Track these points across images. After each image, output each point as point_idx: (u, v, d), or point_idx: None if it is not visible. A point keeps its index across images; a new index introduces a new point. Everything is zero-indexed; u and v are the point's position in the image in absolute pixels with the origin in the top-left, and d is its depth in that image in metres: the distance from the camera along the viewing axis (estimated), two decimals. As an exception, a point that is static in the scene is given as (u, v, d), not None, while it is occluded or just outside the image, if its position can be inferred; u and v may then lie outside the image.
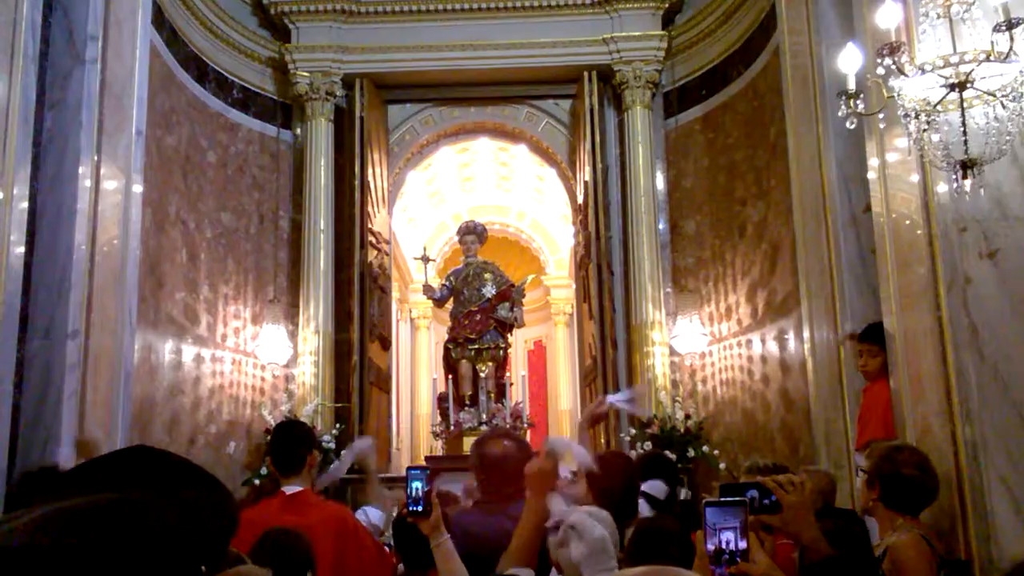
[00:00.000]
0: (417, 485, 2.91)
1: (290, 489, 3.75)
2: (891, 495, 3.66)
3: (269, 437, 7.36)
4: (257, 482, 8.24)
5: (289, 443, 3.91)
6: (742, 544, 2.01)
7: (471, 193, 14.11)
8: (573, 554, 2.72)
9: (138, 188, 6.76)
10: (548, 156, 10.89)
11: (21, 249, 5.46)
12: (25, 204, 5.53)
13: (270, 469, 4.16)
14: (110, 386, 6.20)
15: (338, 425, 9.17)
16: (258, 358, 9.58)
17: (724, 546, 2.01)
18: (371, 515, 4.56)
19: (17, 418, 5.52)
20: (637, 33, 9.90)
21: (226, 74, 9.71)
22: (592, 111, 9.84)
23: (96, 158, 6.30)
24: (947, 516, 4.29)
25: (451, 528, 3.10)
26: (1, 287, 5.10)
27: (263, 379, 9.64)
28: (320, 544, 3.25)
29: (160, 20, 8.13)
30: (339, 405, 9.39)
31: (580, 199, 10.26)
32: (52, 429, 5.71)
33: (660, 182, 10.00)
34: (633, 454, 8.09)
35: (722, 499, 2.11)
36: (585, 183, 9.94)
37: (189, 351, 8.77)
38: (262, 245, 9.88)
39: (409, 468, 3.00)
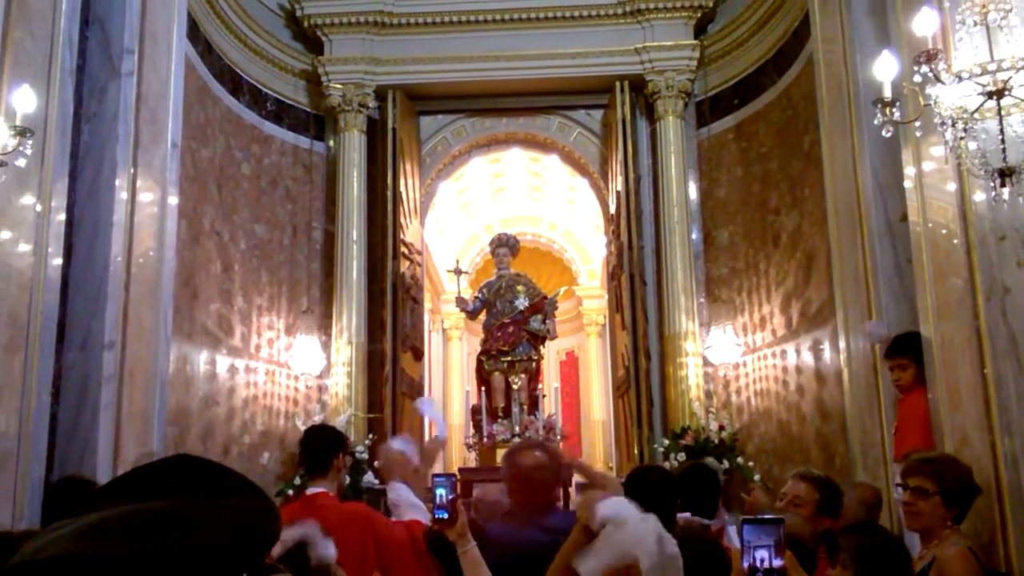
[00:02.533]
0: (442, 492, 2.90)
1: (312, 490, 3.79)
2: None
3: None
4: (291, 492, 8.27)
5: (318, 444, 3.98)
6: (776, 562, 1.98)
7: (503, 204, 14.11)
8: None
9: (173, 200, 6.81)
10: (580, 166, 10.88)
11: (59, 261, 5.51)
12: (62, 216, 5.59)
13: (303, 478, 4.18)
14: (146, 397, 6.24)
15: (371, 435, 9.18)
16: (291, 369, 9.62)
17: (759, 564, 1.98)
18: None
19: (55, 428, 5.57)
20: (669, 43, 9.87)
21: (260, 87, 9.79)
22: (624, 121, 9.81)
23: (132, 170, 6.36)
24: (987, 528, 4.23)
25: (482, 538, 3.08)
26: (39, 298, 5.15)
27: (296, 390, 9.68)
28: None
29: (195, 34, 8.20)
30: (372, 416, 9.41)
31: (612, 209, 10.22)
32: (89, 440, 5.76)
33: (693, 192, 9.95)
34: (667, 465, 8.06)
35: (759, 516, 2.08)
36: (617, 193, 9.91)
37: (223, 362, 8.82)
38: (295, 256, 9.93)
39: (434, 475, 3.00)
